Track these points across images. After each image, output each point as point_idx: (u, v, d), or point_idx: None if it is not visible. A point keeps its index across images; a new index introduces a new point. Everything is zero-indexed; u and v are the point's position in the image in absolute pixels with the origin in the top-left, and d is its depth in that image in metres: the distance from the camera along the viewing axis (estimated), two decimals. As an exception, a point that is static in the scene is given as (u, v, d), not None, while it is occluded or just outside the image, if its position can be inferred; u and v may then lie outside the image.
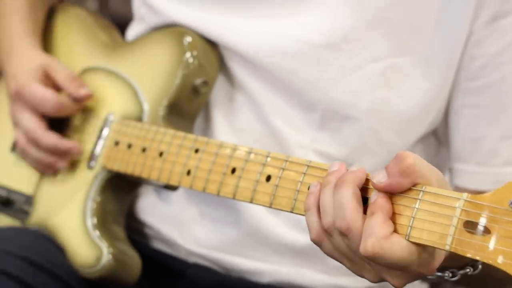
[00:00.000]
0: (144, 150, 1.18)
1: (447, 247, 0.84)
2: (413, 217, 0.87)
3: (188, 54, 1.22)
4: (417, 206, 0.87)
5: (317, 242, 0.93)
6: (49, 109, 1.27)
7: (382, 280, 0.90)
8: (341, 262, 0.93)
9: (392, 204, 0.89)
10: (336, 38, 1.16)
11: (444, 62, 1.16)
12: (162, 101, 1.22)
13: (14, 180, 1.36)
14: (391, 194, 0.89)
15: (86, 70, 1.33)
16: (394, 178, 0.88)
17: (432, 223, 0.85)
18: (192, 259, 1.26)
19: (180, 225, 1.26)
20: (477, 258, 0.81)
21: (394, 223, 0.88)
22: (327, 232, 0.91)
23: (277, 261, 1.23)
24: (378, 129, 1.18)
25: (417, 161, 0.88)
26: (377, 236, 0.86)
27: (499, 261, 0.79)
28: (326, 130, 1.19)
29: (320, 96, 1.17)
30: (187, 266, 1.26)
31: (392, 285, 0.89)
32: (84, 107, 1.31)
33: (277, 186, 1.01)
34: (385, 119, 1.18)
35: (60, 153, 1.27)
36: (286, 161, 1.01)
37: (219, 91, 1.24)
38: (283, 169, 1.01)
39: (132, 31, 1.35)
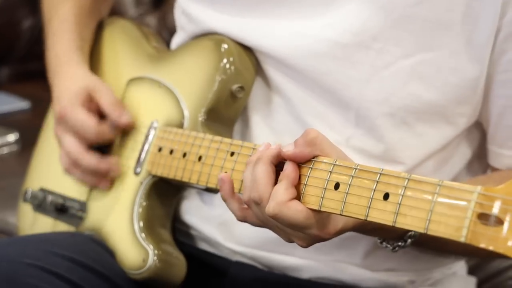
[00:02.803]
0: (184, 155, 1.23)
1: (463, 239, 0.86)
2: (431, 211, 0.89)
3: (224, 61, 1.26)
4: (434, 199, 0.90)
5: (243, 220, 1.10)
6: (89, 135, 1.33)
7: (291, 241, 1.07)
8: (270, 230, 1.09)
9: (305, 175, 1.03)
10: (366, 37, 1.18)
11: (475, 55, 1.18)
12: (201, 107, 1.27)
13: (68, 188, 1.42)
14: (299, 163, 1.04)
15: (132, 80, 1.38)
16: (299, 148, 1.04)
17: (448, 216, 0.88)
18: (234, 258, 1.30)
19: (222, 226, 1.30)
20: (491, 248, 0.83)
21: (306, 194, 1.03)
22: (247, 205, 1.08)
23: (316, 257, 1.26)
24: (412, 122, 1.21)
25: (320, 136, 1.04)
26: (278, 200, 1.02)
27: (510, 244, 0.82)
28: (361, 127, 1.22)
29: (353, 95, 1.20)
30: (230, 264, 1.30)
31: (298, 244, 1.06)
32: (131, 116, 1.36)
33: (306, 185, 1.04)
34: (418, 113, 1.20)
35: (101, 173, 1.33)
36: (314, 161, 1.04)
37: (256, 94, 1.27)
38: (311, 168, 1.04)
39: (175, 40, 1.40)
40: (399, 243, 1.14)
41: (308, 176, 1.03)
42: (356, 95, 1.20)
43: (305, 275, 1.28)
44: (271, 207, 1.02)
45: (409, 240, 1.13)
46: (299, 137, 1.04)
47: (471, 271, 1.43)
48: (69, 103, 1.34)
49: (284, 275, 1.29)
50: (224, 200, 1.11)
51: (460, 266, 1.37)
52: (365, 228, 1.09)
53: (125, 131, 1.35)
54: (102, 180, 1.34)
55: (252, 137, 1.28)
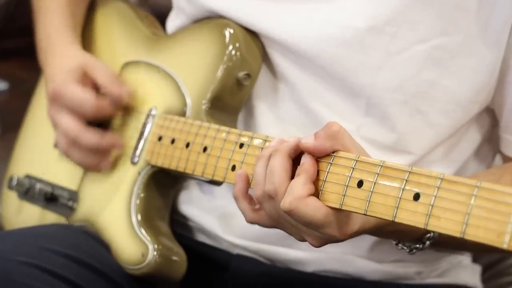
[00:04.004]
0: (188, 145, 1.16)
1: (505, 246, 0.81)
2: (468, 214, 0.84)
3: (230, 47, 1.20)
4: (472, 202, 0.84)
5: (253, 222, 1.04)
6: (88, 110, 1.25)
7: (304, 239, 1.01)
8: (282, 229, 1.04)
9: (324, 171, 0.98)
10: (380, 21, 1.13)
11: (491, 40, 1.13)
12: (205, 95, 1.20)
13: (58, 176, 1.35)
14: (318, 158, 0.99)
15: (128, 64, 1.32)
16: (319, 141, 0.98)
17: (487, 220, 0.83)
18: (235, 251, 1.25)
19: (223, 218, 1.25)
20: (537, 256, 0.79)
21: (325, 191, 0.97)
22: (259, 201, 1.02)
23: (321, 250, 1.21)
24: (426, 111, 1.16)
25: (342, 130, 0.98)
26: (295, 195, 0.96)
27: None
28: (372, 116, 1.17)
29: (364, 82, 1.15)
30: (231, 258, 1.25)
31: (310, 244, 1.01)
32: (131, 91, 1.29)
33: (325, 181, 0.99)
34: (432, 101, 1.16)
35: (103, 151, 1.25)
36: (334, 156, 0.99)
37: (261, 82, 1.21)
38: (331, 164, 0.98)
39: (172, 22, 1.33)
40: (417, 245, 1.10)
41: (328, 172, 0.98)
42: (368, 82, 1.15)
43: (309, 268, 1.24)
44: (287, 202, 0.96)
45: (428, 242, 1.09)
46: (320, 129, 0.99)
47: (474, 259, 1.40)
48: (63, 81, 1.27)
49: (288, 269, 1.24)
50: (236, 198, 1.05)
51: (465, 255, 1.34)
52: (382, 230, 1.04)
53: (122, 117, 1.28)
54: (104, 159, 1.26)
55: (257, 126, 1.22)
